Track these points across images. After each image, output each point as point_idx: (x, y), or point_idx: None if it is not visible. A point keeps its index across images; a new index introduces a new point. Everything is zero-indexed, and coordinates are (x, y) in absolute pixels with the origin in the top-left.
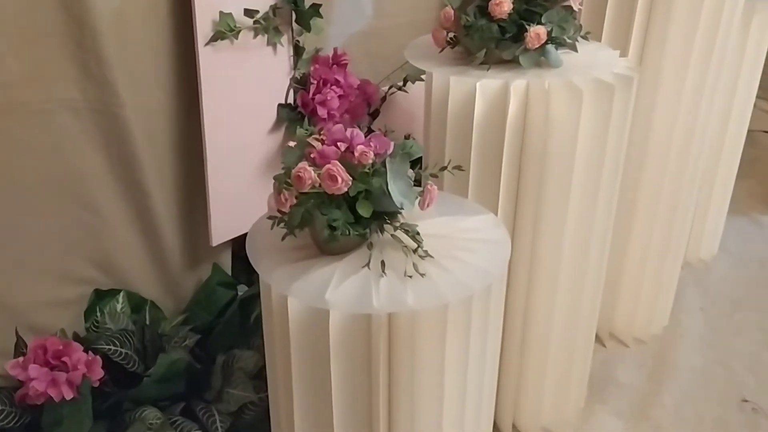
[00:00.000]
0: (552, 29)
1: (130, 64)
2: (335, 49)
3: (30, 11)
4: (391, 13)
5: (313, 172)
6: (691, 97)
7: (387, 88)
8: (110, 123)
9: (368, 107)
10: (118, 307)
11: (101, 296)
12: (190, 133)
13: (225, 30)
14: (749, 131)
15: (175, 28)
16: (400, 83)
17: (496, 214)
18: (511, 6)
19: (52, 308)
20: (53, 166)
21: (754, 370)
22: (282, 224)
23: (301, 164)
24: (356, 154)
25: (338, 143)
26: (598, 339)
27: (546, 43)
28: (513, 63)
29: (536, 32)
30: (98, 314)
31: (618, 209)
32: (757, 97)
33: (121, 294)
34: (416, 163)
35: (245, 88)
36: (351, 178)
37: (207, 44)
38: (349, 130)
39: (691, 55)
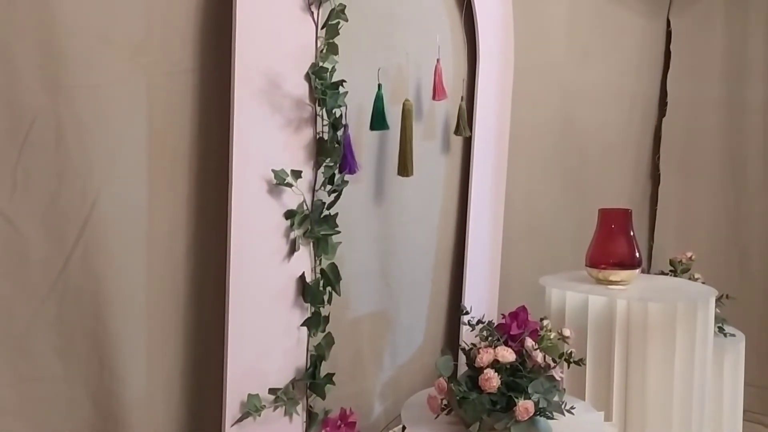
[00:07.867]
0: (539, 400)
1: None
2: (343, 409)
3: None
4: (405, 361)
5: None
6: None
7: None
8: None
9: None
10: None
11: None
12: None
13: (252, 411)
14: None
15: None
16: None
17: None
18: (499, 381)
19: None
20: None
21: None
22: None
23: None
24: None
25: None
26: None
27: (534, 414)
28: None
29: (525, 406)
30: None
31: None
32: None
33: None
34: None
35: None
36: None
37: (233, 425)
38: None
39: (672, 408)
